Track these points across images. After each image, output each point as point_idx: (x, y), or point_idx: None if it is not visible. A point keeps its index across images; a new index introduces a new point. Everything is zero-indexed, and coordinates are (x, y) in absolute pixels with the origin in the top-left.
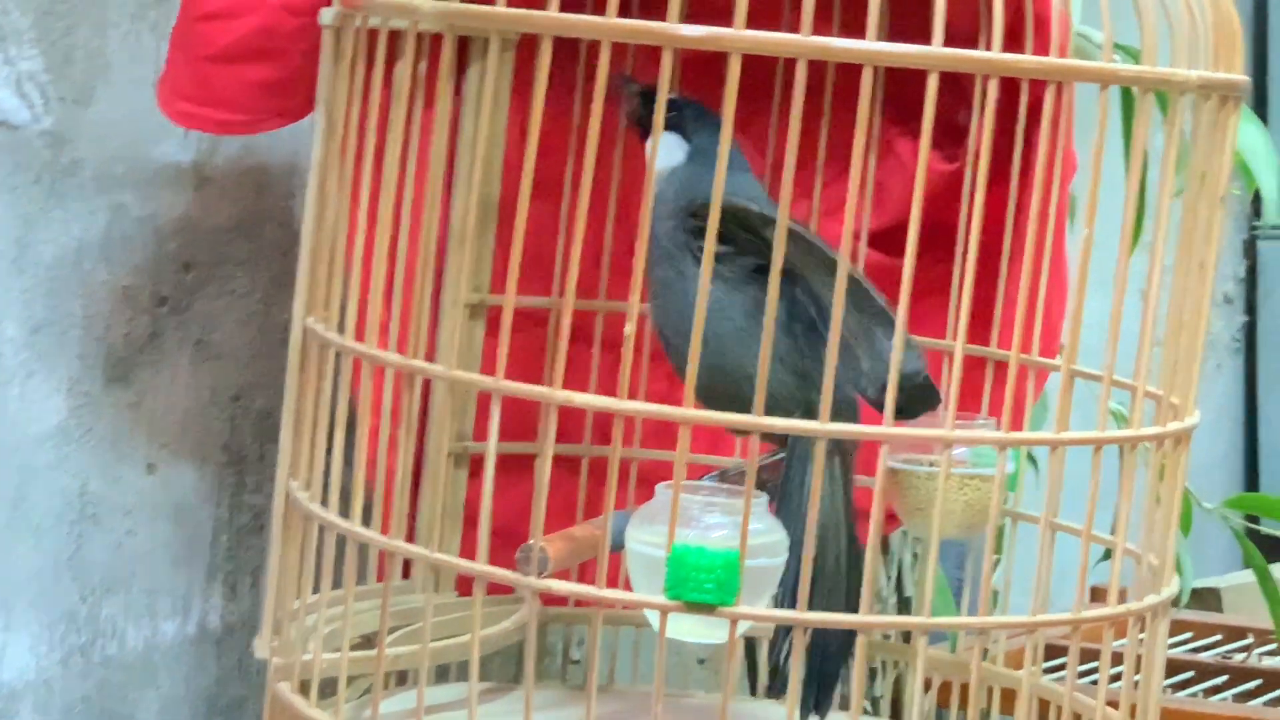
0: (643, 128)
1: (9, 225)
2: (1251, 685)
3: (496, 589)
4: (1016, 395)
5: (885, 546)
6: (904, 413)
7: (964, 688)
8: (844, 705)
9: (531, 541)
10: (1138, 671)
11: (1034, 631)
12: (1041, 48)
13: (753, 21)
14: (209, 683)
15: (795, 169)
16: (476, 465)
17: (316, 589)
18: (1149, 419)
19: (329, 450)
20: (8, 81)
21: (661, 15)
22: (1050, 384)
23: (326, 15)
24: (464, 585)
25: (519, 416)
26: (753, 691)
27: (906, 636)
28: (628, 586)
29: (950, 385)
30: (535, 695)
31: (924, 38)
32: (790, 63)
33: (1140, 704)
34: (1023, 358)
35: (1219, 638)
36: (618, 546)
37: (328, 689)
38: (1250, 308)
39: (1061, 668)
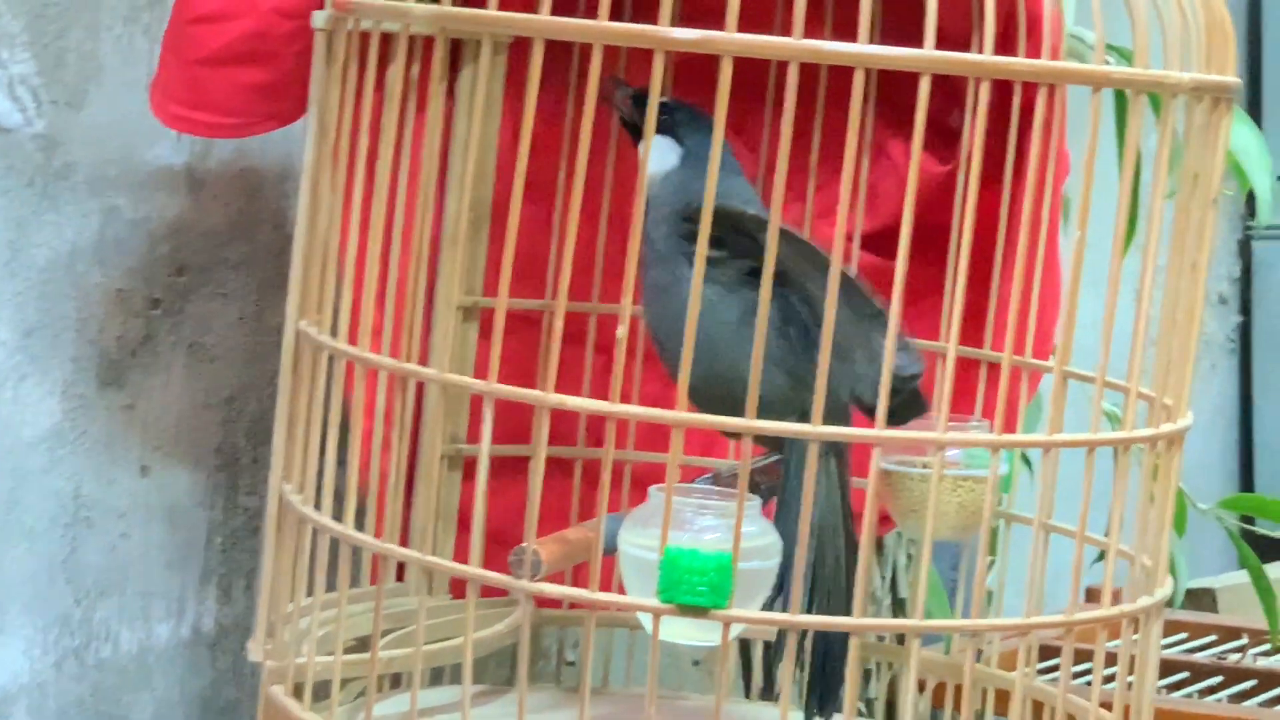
0: (635, 131)
1: (1, 228)
2: (1246, 686)
3: (490, 592)
4: (1010, 397)
5: (880, 548)
6: (893, 419)
7: (958, 689)
8: (839, 707)
9: (525, 544)
10: (1132, 672)
11: (1028, 633)
12: (1034, 50)
13: (745, 24)
14: (203, 686)
15: (788, 172)
16: (470, 468)
17: (310, 592)
18: (1143, 420)
19: (322, 453)
20: (0, 85)
21: (653, 18)
22: (1044, 385)
23: (318, 18)
24: (458, 588)
25: (512, 419)
26: (747, 694)
27: (901, 638)
28: (621, 589)
29: (943, 387)
30: (529, 698)
31: (916, 40)
32: (782, 65)
33: (1134, 705)
34: (1016, 359)
35: (1214, 638)
36: (611, 549)
37: (321, 692)
38: (1245, 308)
39: (1056, 668)
